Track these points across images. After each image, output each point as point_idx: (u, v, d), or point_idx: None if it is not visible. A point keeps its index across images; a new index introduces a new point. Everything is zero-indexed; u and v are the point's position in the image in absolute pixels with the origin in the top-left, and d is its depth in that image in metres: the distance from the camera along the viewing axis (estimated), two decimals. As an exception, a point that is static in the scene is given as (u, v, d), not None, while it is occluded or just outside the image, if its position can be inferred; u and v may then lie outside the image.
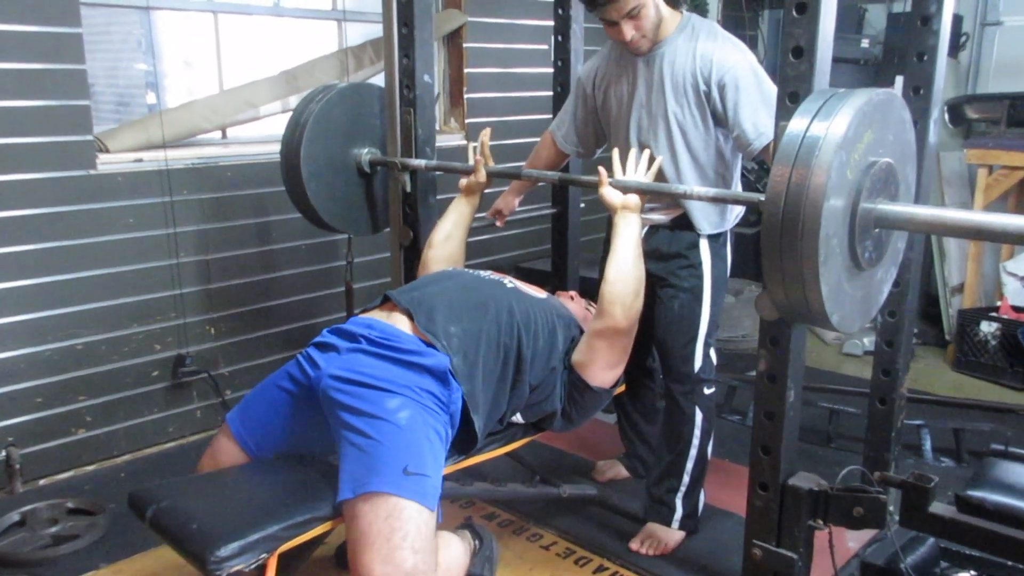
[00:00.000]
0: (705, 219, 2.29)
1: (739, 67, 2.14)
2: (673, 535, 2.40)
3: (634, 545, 2.40)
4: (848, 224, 1.40)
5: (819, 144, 1.32)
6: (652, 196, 2.16)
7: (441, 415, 1.78)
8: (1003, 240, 1.46)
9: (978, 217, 1.40)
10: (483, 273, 2.18)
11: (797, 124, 1.36)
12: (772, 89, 2.13)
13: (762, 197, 1.42)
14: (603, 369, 2.06)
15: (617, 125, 2.38)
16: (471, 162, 2.41)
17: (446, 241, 2.39)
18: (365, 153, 2.64)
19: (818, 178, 1.31)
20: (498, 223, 2.75)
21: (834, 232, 1.36)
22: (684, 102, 2.21)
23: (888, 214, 1.44)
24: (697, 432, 2.37)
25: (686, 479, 2.40)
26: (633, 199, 2.02)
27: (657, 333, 2.39)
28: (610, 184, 2.03)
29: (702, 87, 2.18)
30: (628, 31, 2.15)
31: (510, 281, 2.14)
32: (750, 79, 2.14)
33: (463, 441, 1.90)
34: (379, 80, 2.91)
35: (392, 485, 1.59)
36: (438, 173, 2.59)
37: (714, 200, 1.95)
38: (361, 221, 2.74)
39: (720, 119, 2.19)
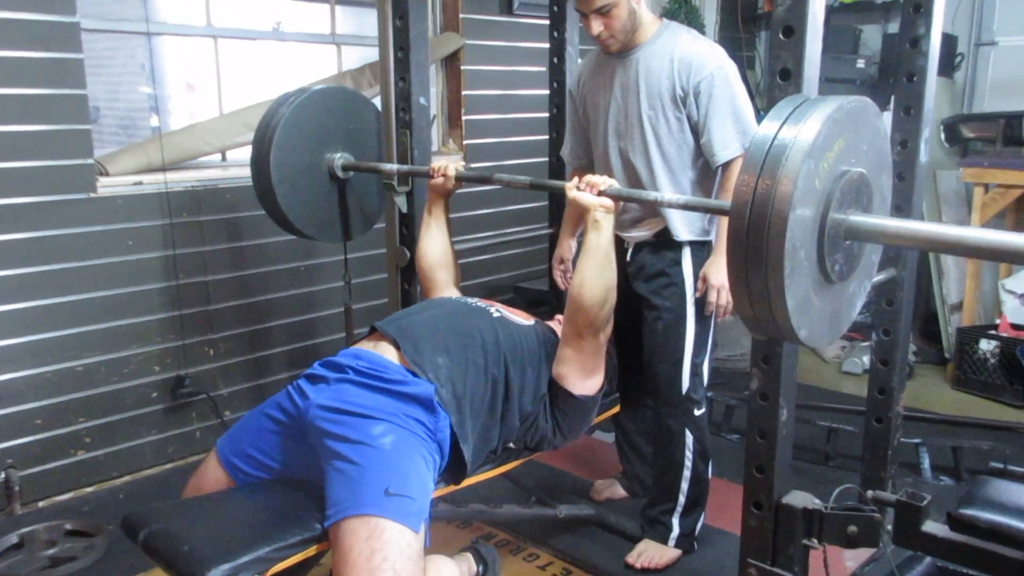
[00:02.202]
0: (684, 225, 2.28)
1: (715, 76, 2.17)
2: (668, 552, 2.41)
3: (629, 559, 2.40)
4: (816, 235, 1.36)
5: (787, 151, 1.27)
6: (633, 208, 2.17)
7: (428, 442, 1.78)
8: (977, 255, 1.42)
9: (952, 231, 1.37)
10: (470, 300, 2.18)
11: (766, 129, 1.32)
12: (745, 103, 2.19)
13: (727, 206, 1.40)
14: (580, 376, 2.04)
15: (596, 129, 2.41)
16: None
17: (435, 247, 2.35)
18: (338, 158, 2.59)
19: (785, 186, 1.26)
20: (567, 276, 2.64)
21: (801, 244, 1.31)
22: (658, 106, 2.24)
23: (859, 226, 1.40)
24: (689, 454, 2.37)
25: (682, 499, 2.40)
26: (607, 199, 1.96)
27: (644, 355, 2.39)
28: (576, 187, 1.98)
29: (678, 92, 2.20)
30: (596, 26, 2.21)
31: (496, 310, 2.12)
32: (724, 90, 2.17)
33: (453, 470, 1.88)
34: (376, 103, 2.93)
35: (373, 506, 1.58)
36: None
37: (684, 208, 1.90)
38: (333, 227, 2.69)
39: (694, 125, 2.22)
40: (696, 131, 2.23)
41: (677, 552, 2.42)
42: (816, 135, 1.27)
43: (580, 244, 2.70)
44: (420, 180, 2.51)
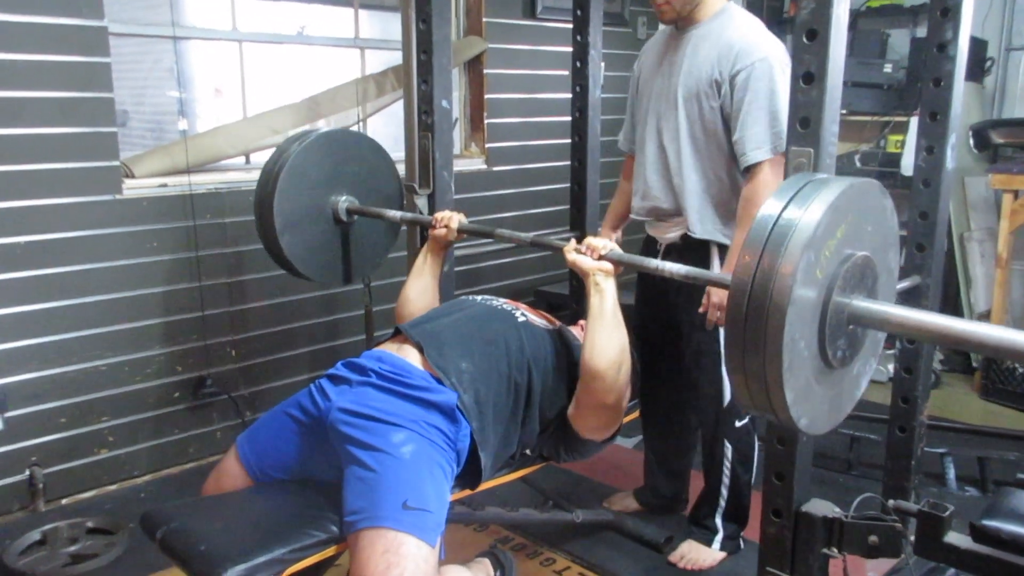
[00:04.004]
0: (700, 221, 2.21)
1: (758, 68, 2.04)
2: (711, 554, 2.41)
3: (672, 558, 2.42)
4: (818, 325, 1.30)
5: (786, 242, 1.23)
6: (658, 199, 2.13)
7: (448, 451, 1.77)
8: (983, 352, 1.33)
9: (960, 325, 1.29)
10: (494, 302, 2.15)
11: (769, 209, 1.28)
12: (786, 102, 1.98)
13: (729, 279, 1.33)
14: (594, 431, 2.01)
15: (639, 107, 2.36)
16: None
17: (422, 295, 2.28)
18: (343, 201, 2.54)
19: (783, 280, 1.22)
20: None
21: (801, 335, 1.26)
22: (695, 90, 2.14)
23: (862, 312, 1.34)
24: (727, 463, 2.36)
25: (722, 503, 2.40)
26: (607, 263, 1.89)
27: (684, 366, 2.37)
28: (576, 250, 1.92)
29: (716, 76, 2.10)
30: None
31: (521, 313, 2.10)
32: (764, 85, 2.04)
33: (470, 476, 1.87)
34: (399, 106, 2.95)
35: (391, 519, 1.58)
36: (455, 197, 2.60)
37: (684, 279, 1.80)
38: (335, 271, 2.63)
39: (727, 117, 2.11)
40: (728, 125, 2.11)
41: (721, 554, 2.42)
42: (816, 226, 1.23)
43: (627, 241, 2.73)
44: (442, 181, 2.51)
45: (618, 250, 1.92)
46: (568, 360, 2.05)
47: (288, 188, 2.42)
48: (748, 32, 2.11)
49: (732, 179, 2.20)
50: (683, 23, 2.20)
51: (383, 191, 2.66)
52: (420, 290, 2.27)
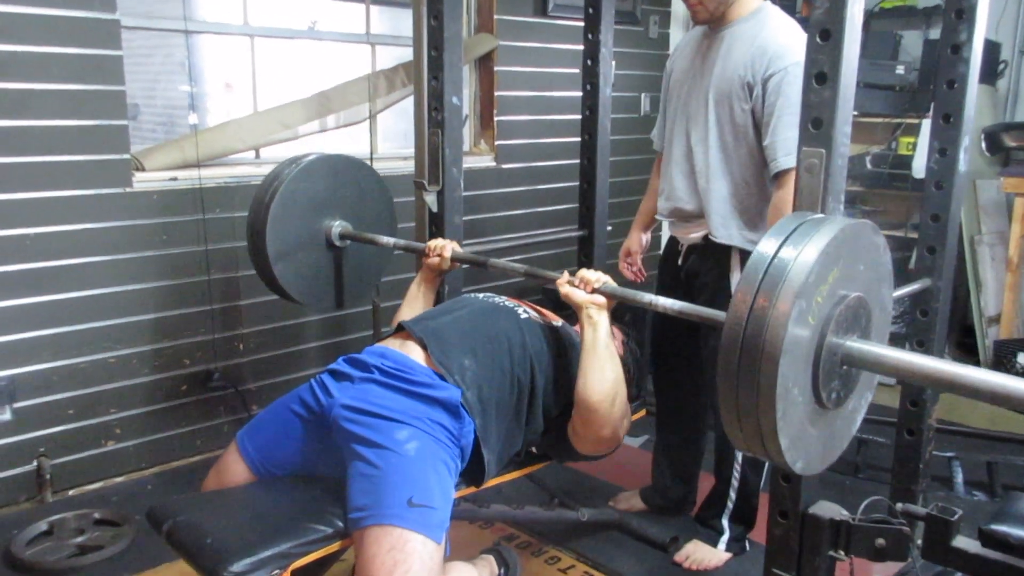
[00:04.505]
0: (723, 225, 2.19)
1: (792, 72, 2.00)
2: (717, 555, 2.41)
3: (678, 558, 2.42)
4: (811, 369, 1.29)
5: (777, 291, 1.21)
6: (681, 199, 2.12)
7: (452, 448, 1.77)
8: (974, 396, 1.31)
9: (953, 369, 1.27)
10: (498, 299, 2.14)
11: (765, 247, 1.27)
12: None
13: (723, 316, 1.31)
14: (593, 451, 2.02)
15: (669, 105, 2.34)
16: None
17: None
18: (336, 225, 2.50)
19: (776, 330, 1.20)
20: (633, 269, 2.67)
21: (795, 382, 1.25)
22: (726, 91, 2.11)
23: (856, 353, 1.33)
24: (737, 466, 2.37)
25: (730, 505, 2.41)
26: (599, 296, 1.88)
27: (703, 367, 2.38)
28: (569, 283, 1.92)
29: (748, 79, 2.07)
30: None
31: (524, 310, 2.09)
32: (797, 90, 1.93)
33: (474, 473, 1.87)
34: (409, 102, 2.94)
35: (396, 517, 1.58)
36: (464, 194, 2.59)
37: (679, 315, 1.76)
38: (327, 296, 2.59)
39: (757, 120, 2.09)
40: (759, 128, 2.09)
41: (727, 555, 2.42)
42: (808, 272, 1.22)
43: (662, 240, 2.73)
44: (451, 178, 2.51)
45: (612, 283, 1.91)
46: (570, 358, 2.04)
47: (281, 214, 2.37)
48: (783, 34, 2.08)
49: (760, 184, 2.18)
50: (717, 23, 2.17)
51: (377, 216, 2.62)
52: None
